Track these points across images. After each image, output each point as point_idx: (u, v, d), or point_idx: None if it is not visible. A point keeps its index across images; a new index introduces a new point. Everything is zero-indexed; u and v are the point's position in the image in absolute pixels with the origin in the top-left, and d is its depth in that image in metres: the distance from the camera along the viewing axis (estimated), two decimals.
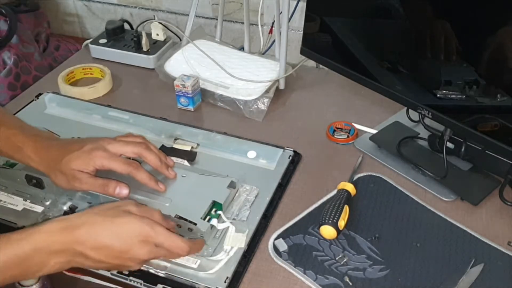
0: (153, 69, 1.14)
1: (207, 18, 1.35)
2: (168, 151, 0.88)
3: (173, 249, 0.64)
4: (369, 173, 0.86)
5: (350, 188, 0.79)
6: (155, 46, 1.17)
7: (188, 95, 1.00)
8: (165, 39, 1.19)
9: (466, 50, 0.75)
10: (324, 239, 0.74)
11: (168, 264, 0.70)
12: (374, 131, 0.95)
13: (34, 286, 0.64)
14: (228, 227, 0.73)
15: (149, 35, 1.19)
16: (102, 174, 0.73)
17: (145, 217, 0.63)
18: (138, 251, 0.62)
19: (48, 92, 1.03)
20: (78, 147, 0.72)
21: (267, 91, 1.02)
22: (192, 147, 0.90)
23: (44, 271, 0.60)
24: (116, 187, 0.72)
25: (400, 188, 0.83)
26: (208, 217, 0.73)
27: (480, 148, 0.83)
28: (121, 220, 0.62)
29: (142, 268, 0.69)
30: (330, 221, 0.73)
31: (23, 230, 0.60)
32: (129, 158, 0.75)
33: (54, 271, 0.61)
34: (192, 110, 1.02)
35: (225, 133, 0.92)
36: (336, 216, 0.73)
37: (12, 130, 0.74)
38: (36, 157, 0.73)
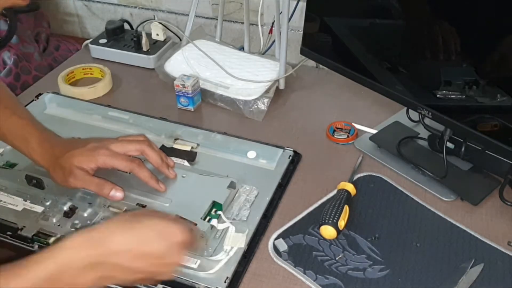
0: (153, 69, 1.14)
1: (207, 18, 1.35)
2: (168, 151, 0.88)
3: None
4: (369, 173, 0.86)
5: (350, 188, 0.79)
6: (155, 46, 1.17)
7: (188, 95, 1.00)
8: (165, 39, 1.19)
9: (465, 50, 0.75)
10: (324, 239, 0.74)
11: None
12: (374, 131, 0.95)
13: None
14: (228, 227, 0.73)
15: (149, 35, 1.19)
16: (102, 174, 0.73)
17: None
18: (176, 254, 0.57)
19: (48, 92, 1.03)
20: (82, 145, 0.74)
21: (267, 91, 1.02)
22: (192, 147, 0.90)
23: None
24: (112, 188, 0.72)
25: (400, 188, 0.83)
26: (208, 217, 0.73)
27: (480, 148, 0.83)
28: (155, 222, 0.57)
29: None
30: (330, 221, 0.73)
31: (48, 248, 0.53)
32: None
33: None
34: (192, 110, 1.02)
35: (225, 133, 0.92)
36: (336, 216, 0.73)
37: (23, 121, 0.76)
38: (40, 149, 0.74)
